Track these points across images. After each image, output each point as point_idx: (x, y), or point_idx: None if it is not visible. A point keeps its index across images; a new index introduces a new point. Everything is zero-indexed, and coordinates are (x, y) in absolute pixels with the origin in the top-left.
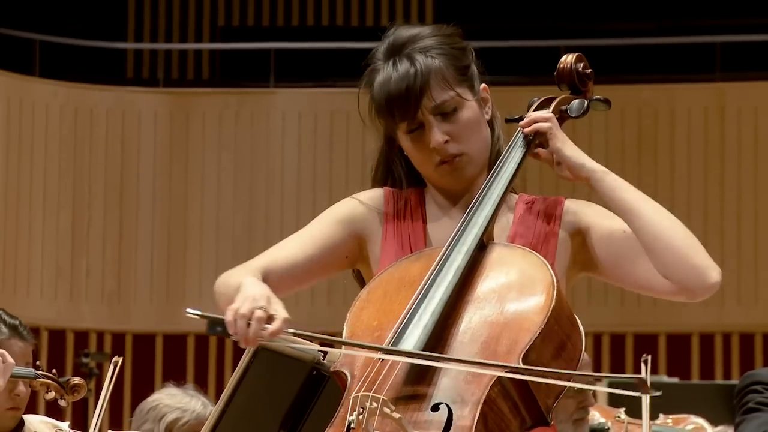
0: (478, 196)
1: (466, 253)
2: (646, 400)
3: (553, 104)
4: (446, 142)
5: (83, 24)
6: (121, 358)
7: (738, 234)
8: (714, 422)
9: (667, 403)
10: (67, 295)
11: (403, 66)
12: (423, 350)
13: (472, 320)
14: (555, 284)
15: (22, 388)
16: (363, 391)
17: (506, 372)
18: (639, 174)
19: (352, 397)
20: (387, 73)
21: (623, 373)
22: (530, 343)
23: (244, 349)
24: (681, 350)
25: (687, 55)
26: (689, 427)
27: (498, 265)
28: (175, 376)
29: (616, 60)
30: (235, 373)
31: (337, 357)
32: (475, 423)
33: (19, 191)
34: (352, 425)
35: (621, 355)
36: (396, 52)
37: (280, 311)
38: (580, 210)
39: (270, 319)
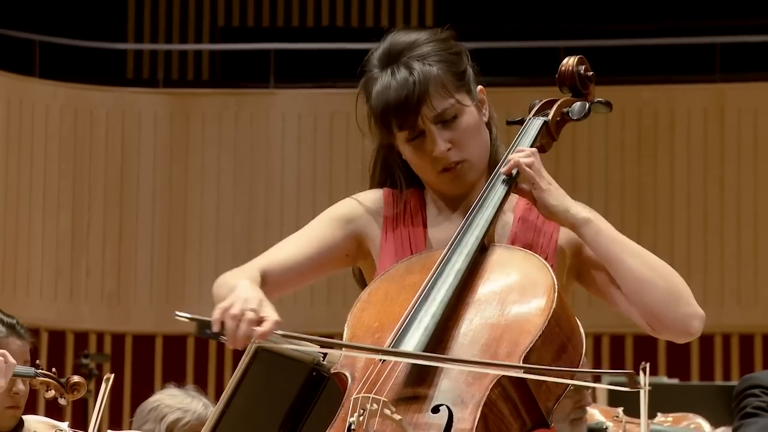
0: (479, 199)
1: (467, 255)
2: (644, 398)
3: (555, 107)
4: (448, 149)
5: (83, 24)
6: (113, 375)
7: (738, 234)
8: (714, 423)
9: (666, 404)
10: (66, 296)
11: (401, 74)
12: (423, 352)
13: (472, 322)
14: (556, 286)
15: (21, 386)
16: (363, 393)
17: (506, 371)
18: (639, 174)
19: (352, 398)
20: (385, 82)
21: None
22: (531, 345)
23: (244, 351)
24: (680, 351)
25: (687, 56)
26: (688, 424)
27: (499, 267)
28: (174, 377)
29: (617, 61)
30: (235, 374)
31: (337, 358)
32: (475, 425)
33: (18, 192)
34: (352, 426)
35: (621, 356)
36: (393, 60)
37: (271, 314)
38: None
39: (260, 321)
